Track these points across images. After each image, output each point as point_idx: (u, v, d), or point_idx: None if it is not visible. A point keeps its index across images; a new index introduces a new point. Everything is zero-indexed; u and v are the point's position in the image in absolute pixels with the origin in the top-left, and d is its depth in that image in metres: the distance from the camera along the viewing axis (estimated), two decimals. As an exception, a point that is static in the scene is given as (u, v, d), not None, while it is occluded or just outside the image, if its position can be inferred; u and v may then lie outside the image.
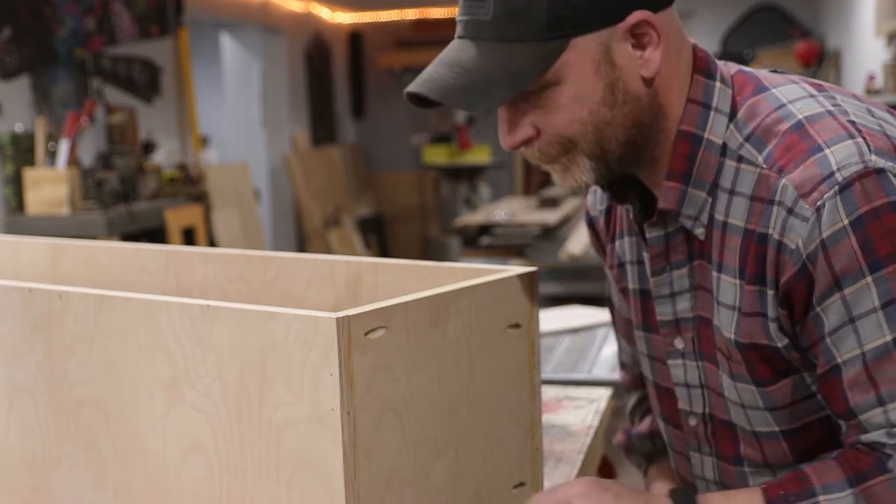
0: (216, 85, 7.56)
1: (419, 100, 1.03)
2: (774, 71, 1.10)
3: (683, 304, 1.10)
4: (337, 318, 0.91)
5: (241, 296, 1.44)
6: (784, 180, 0.95)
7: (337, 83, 8.66)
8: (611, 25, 0.98)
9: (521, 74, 0.97)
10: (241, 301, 1.26)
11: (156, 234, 4.54)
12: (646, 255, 1.14)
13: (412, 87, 1.01)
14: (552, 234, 5.09)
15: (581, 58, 0.98)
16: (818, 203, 0.91)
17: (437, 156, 8.48)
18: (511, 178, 8.99)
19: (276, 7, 7.43)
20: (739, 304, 1.01)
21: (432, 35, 8.52)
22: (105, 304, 1.10)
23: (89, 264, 1.63)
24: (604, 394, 1.74)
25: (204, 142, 6.44)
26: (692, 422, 1.15)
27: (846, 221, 0.90)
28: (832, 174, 0.91)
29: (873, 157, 0.91)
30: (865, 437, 0.94)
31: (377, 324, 0.96)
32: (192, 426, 1.04)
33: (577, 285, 4.30)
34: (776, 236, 0.95)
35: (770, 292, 0.98)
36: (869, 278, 0.90)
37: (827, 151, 0.93)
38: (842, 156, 0.92)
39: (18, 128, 4.33)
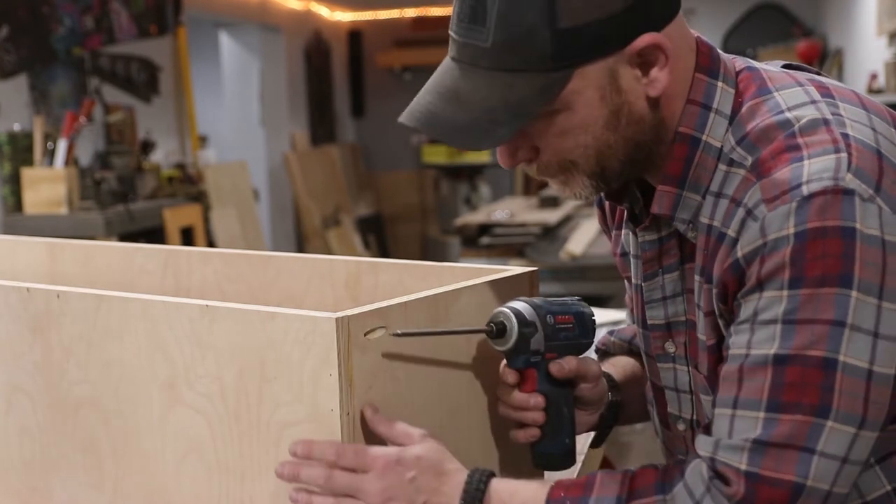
0: (215, 84, 7.56)
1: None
2: (788, 65, 1.07)
3: (675, 308, 1.09)
4: (336, 319, 0.91)
5: (239, 296, 1.43)
6: (757, 184, 0.93)
7: (336, 82, 8.66)
8: (617, 52, 0.95)
9: (523, 107, 0.94)
10: (239, 301, 1.25)
11: (154, 234, 4.54)
12: (639, 253, 1.13)
13: (408, 118, 0.99)
14: (552, 234, 5.09)
15: (586, 85, 0.95)
16: (775, 208, 0.90)
17: (437, 155, 8.48)
18: (511, 178, 8.98)
19: (275, 6, 7.43)
20: (701, 303, 1.01)
21: (432, 33, 8.51)
22: (103, 304, 1.09)
23: (87, 264, 1.63)
24: (604, 394, 1.73)
25: (202, 141, 6.44)
26: (680, 426, 1.14)
27: (791, 231, 0.88)
28: (799, 185, 0.89)
29: (847, 177, 0.88)
30: (698, 443, 0.94)
31: (377, 324, 0.95)
32: (191, 426, 1.03)
33: (578, 285, 4.28)
34: (732, 234, 0.94)
35: (716, 290, 0.97)
36: (785, 291, 0.88)
37: (805, 162, 0.90)
38: (816, 168, 0.89)
39: (16, 127, 4.33)
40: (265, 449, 0.98)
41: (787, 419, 0.88)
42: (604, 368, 1.22)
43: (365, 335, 0.94)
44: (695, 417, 1.11)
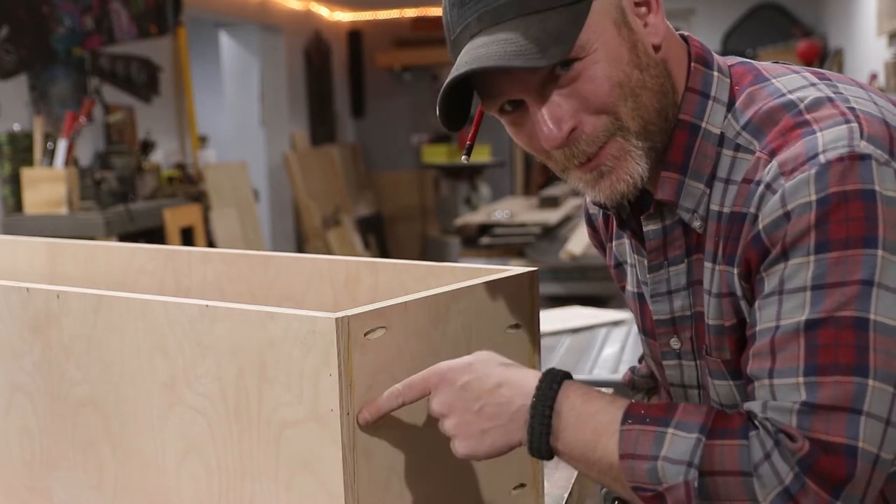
0: (215, 84, 7.56)
1: (450, 120, 1.03)
2: (776, 62, 1.09)
3: (680, 302, 1.09)
4: (336, 319, 0.91)
5: (239, 296, 1.43)
6: (774, 161, 0.94)
7: (336, 82, 8.66)
8: None
9: (563, 34, 0.95)
10: (239, 301, 1.25)
11: (154, 234, 4.54)
12: (635, 259, 1.13)
13: (461, 69, 0.96)
14: (552, 234, 5.09)
15: (604, 21, 0.98)
16: (794, 178, 0.91)
17: (437, 155, 8.47)
18: (511, 178, 8.99)
19: (275, 6, 7.43)
20: (718, 289, 1.01)
21: (432, 33, 8.52)
22: (103, 304, 1.09)
23: (87, 264, 1.63)
24: (604, 394, 1.73)
25: (202, 141, 6.44)
26: None
27: (813, 198, 0.89)
28: (816, 155, 0.91)
29: (862, 143, 0.91)
30: (746, 405, 0.94)
31: (377, 324, 0.95)
32: (191, 426, 1.03)
33: (578, 285, 4.29)
34: (753, 211, 0.95)
35: (738, 269, 0.97)
36: (812, 257, 0.89)
37: (818, 134, 0.93)
38: (830, 138, 0.92)
39: (16, 127, 4.33)
40: (265, 449, 0.98)
41: (829, 381, 0.87)
42: None
43: (365, 335, 0.94)
44: None
